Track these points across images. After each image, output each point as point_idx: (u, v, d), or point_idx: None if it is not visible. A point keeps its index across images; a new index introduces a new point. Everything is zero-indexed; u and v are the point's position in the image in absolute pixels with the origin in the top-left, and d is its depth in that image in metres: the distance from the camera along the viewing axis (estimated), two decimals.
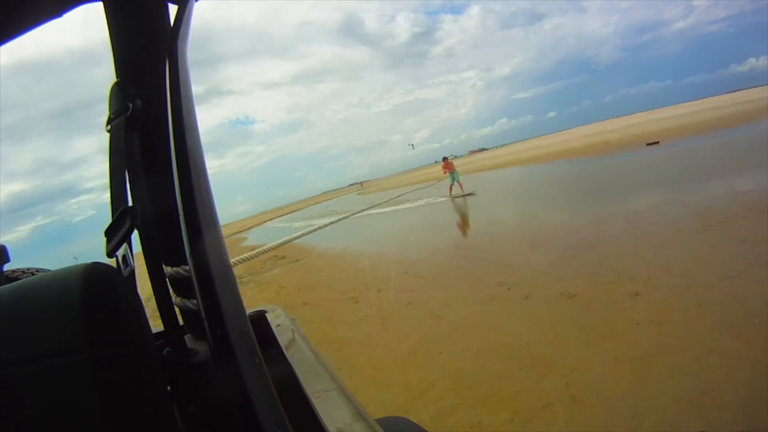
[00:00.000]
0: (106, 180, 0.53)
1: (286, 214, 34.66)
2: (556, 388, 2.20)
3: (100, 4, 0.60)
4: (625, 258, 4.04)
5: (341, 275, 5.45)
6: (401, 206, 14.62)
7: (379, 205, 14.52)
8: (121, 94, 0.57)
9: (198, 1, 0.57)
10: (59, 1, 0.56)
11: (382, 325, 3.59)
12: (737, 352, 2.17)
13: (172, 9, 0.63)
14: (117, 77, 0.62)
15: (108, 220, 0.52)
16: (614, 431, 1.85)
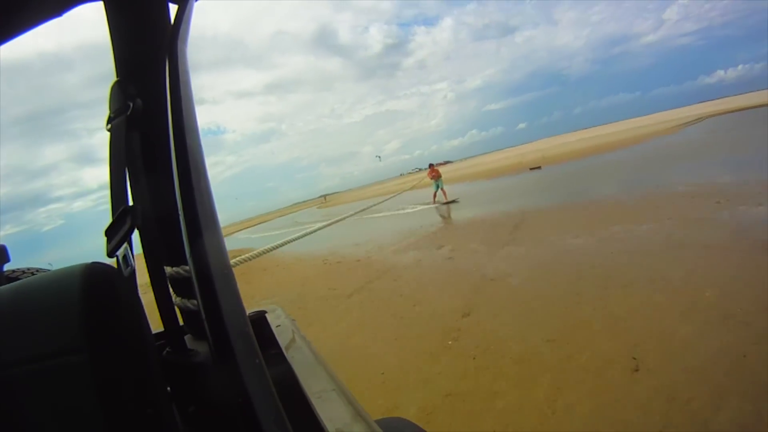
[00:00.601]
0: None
1: (254, 225, 41.34)
2: (300, 278, 7.05)
3: (101, 3, 0.60)
4: (369, 245, 8.77)
5: (266, 263, 9.63)
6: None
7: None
8: (121, 93, 0.57)
9: (198, 1, 0.57)
10: (60, 1, 0.56)
11: (267, 275, 8.12)
12: (349, 274, 6.55)
13: (173, 9, 0.63)
14: (117, 76, 0.62)
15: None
16: (313, 289, 6.03)
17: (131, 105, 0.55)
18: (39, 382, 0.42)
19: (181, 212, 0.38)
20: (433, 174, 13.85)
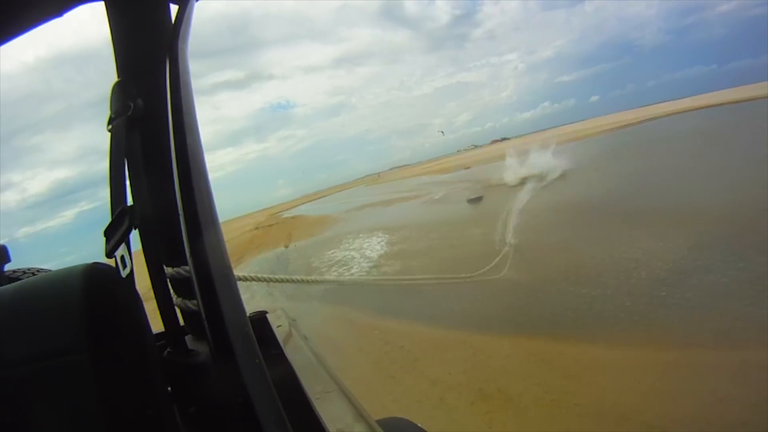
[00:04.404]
0: (114, 177, 0.54)
1: (320, 198, 45.06)
2: None
3: (102, 3, 0.59)
4: None
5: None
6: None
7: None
8: (122, 93, 0.57)
9: (198, 1, 0.57)
10: (60, 1, 0.56)
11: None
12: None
13: (173, 9, 0.63)
14: (118, 76, 0.62)
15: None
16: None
17: (132, 105, 0.55)
18: (40, 382, 0.42)
19: (181, 212, 0.38)
20: None
